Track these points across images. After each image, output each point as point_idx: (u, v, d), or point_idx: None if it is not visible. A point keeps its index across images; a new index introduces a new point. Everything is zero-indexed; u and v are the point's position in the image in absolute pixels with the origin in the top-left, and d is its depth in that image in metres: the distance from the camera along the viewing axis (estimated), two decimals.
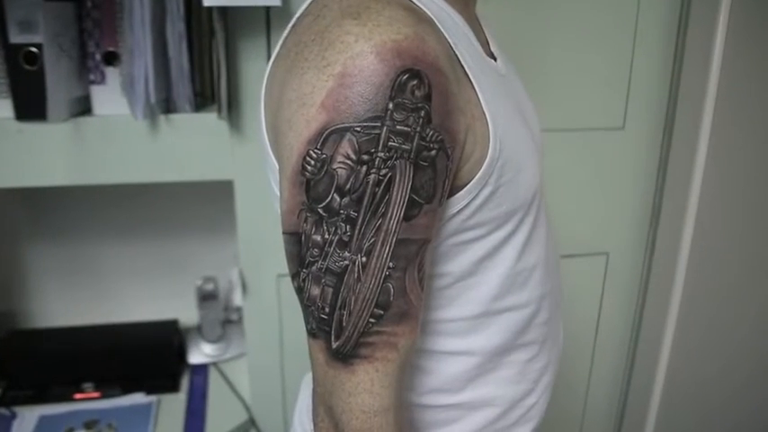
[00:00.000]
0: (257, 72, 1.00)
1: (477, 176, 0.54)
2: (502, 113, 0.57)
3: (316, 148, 0.48)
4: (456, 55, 0.54)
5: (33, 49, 0.91)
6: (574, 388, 1.35)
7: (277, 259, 1.11)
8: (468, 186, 0.54)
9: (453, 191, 0.54)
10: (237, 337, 1.37)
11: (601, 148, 1.17)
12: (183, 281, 1.36)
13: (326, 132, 0.48)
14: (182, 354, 1.31)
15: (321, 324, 0.51)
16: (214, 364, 1.32)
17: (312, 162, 0.48)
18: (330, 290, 0.50)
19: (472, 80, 0.55)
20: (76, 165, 0.97)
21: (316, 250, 0.50)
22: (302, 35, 0.53)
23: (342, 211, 0.48)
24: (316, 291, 0.50)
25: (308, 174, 0.49)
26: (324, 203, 0.49)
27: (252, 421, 1.18)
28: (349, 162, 0.48)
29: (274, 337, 1.16)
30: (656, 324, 1.22)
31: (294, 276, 0.52)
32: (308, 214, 0.50)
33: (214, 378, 1.28)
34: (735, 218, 1.13)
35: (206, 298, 1.33)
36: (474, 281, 0.60)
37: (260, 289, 1.13)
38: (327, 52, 0.48)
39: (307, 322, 0.52)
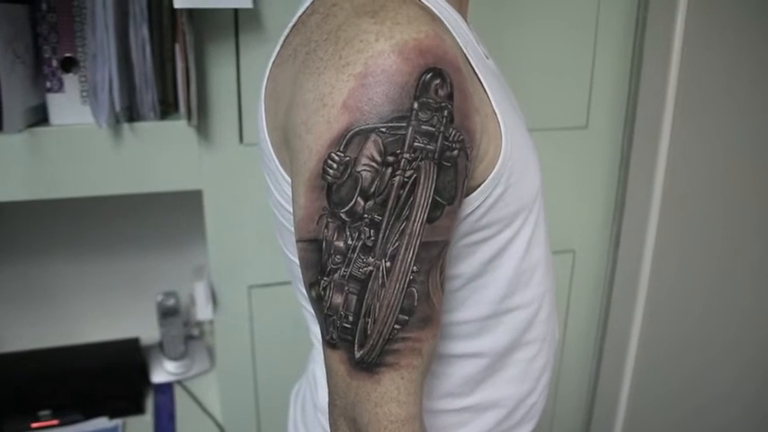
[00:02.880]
0: (226, 77, 0.97)
1: (490, 176, 0.54)
2: (507, 112, 0.57)
3: (338, 151, 0.46)
4: (465, 54, 0.54)
5: None
6: None
7: (248, 270, 1.08)
8: (481, 186, 0.54)
9: (468, 191, 0.53)
10: (201, 353, 1.32)
11: (565, 148, 1.19)
12: (141, 297, 1.30)
13: (350, 134, 0.46)
14: (144, 373, 1.25)
15: (343, 333, 0.49)
16: (178, 382, 1.26)
17: (334, 165, 0.47)
18: (354, 297, 0.48)
19: (481, 80, 0.55)
20: (34, 178, 0.91)
21: (338, 257, 0.48)
22: (312, 34, 0.51)
23: (366, 216, 0.47)
24: (338, 299, 0.49)
25: (329, 177, 0.47)
26: (347, 208, 0.47)
27: None
28: (374, 164, 0.46)
29: (246, 350, 1.12)
30: (622, 319, 1.25)
31: (312, 285, 0.50)
32: (330, 220, 0.48)
33: (180, 397, 1.23)
34: (698, 212, 1.17)
35: (167, 314, 1.27)
36: (483, 281, 0.60)
37: (231, 301, 1.09)
38: (345, 51, 0.47)
39: (326, 332, 0.50)
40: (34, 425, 1.11)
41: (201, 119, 0.97)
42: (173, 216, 1.26)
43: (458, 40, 0.53)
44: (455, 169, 0.49)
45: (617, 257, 1.24)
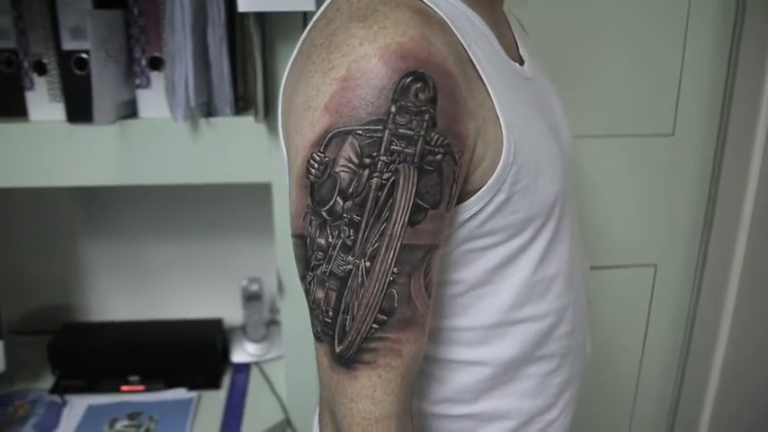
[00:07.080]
0: None
1: (489, 182, 0.53)
2: (519, 118, 0.56)
3: (319, 152, 0.48)
4: (470, 57, 0.53)
5: (84, 55, 0.95)
6: (620, 402, 1.30)
7: None
8: (479, 192, 0.53)
9: (464, 196, 0.53)
10: (280, 338, 1.38)
11: (649, 155, 1.12)
12: (228, 281, 1.39)
13: (329, 135, 0.48)
14: (225, 352, 1.34)
15: (325, 328, 0.51)
16: (256, 363, 1.34)
17: (316, 165, 0.48)
18: (334, 294, 0.50)
19: (486, 83, 0.54)
20: (123, 165, 1.01)
21: (320, 254, 0.50)
22: (314, 38, 0.53)
23: (345, 215, 0.48)
24: (320, 294, 0.51)
25: (312, 177, 0.49)
26: (327, 207, 0.49)
27: (288, 422, 1.19)
28: (351, 165, 0.47)
29: (309, 339, 1.16)
30: (706, 338, 1.16)
31: (301, 279, 0.53)
32: (313, 217, 0.50)
33: (255, 377, 1.30)
34: None
35: (251, 298, 1.35)
36: (489, 289, 0.59)
37: (297, 291, 1.13)
38: (333, 55, 0.48)
39: (312, 326, 0.53)
40: (123, 387, 1.23)
41: (271, 115, 1.02)
42: (260, 205, 1.33)
43: (462, 42, 0.53)
44: (439, 173, 0.49)
45: (703, 274, 1.15)
